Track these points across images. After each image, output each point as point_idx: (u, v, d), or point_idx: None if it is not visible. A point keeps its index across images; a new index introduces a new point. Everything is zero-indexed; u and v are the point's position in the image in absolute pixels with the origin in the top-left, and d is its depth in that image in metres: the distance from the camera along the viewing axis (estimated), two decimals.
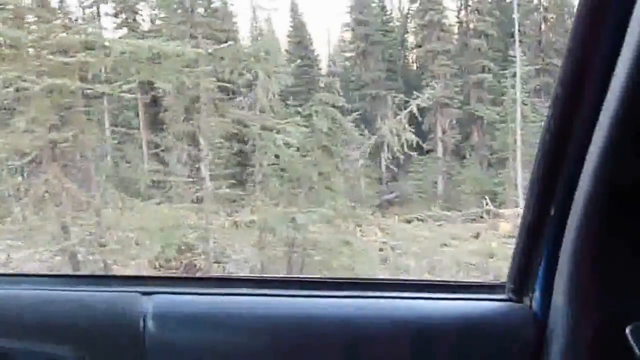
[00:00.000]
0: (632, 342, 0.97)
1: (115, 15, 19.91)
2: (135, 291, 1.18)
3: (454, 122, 17.83)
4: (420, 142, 12.67)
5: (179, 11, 17.87)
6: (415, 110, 10.88)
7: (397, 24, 22.40)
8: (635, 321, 0.99)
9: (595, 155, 0.95)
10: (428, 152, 16.98)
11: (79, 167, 9.13)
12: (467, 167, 16.89)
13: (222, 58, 9.36)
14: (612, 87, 0.91)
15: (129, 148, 14.02)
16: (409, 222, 13.75)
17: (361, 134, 10.74)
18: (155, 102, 14.64)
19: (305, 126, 9.61)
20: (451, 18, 18.88)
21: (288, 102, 13.03)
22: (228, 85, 10.57)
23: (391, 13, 22.18)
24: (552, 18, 17.27)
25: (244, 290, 1.25)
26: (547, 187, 1.08)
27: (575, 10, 1.00)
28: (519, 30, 15.71)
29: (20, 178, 9.22)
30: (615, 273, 1.04)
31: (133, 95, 10.00)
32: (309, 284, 1.36)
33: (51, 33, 8.30)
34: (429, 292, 1.31)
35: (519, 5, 16.01)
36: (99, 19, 19.97)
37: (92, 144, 9.60)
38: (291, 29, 22.32)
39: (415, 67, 21.37)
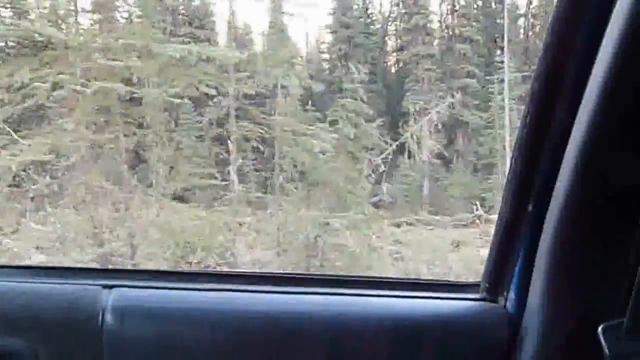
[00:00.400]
0: (602, 341, 0.95)
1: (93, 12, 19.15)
2: (97, 284, 1.13)
3: (439, 126, 17.77)
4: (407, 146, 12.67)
5: (158, 8, 17.28)
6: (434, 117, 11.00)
7: (379, 26, 22.28)
8: (604, 321, 0.97)
9: (574, 152, 0.93)
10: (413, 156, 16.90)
11: (120, 169, 9.08)
12: (454, 172, 16.83)
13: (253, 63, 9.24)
14: (590, 83, 0.89)
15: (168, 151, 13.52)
16: (398, 226, 13.55)
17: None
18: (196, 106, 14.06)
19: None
20: (436, 23, 18.86)
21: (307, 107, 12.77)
22: (262, 90, 10.43)
23: (374, 16, 22.03)
24: (539, 25, 17.44)
25: (208, 286, 1.21)
26: (524, 184, 1.05)
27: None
28: (504, 37, 15.79)
29: (62, 178, 9.05)
30: (591, 273, 1.02)
31: (178, 100, 9.74)
32: (278, 280, 1.29)
33: (98, 35, 8.26)
34: (403, 290, 1.28)
35: (507, 10, 16.11)
36: (76, 16, 19.12)
37: (133, 146, 9.70)
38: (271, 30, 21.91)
39: (396, 71, 21.32)
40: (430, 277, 9.46)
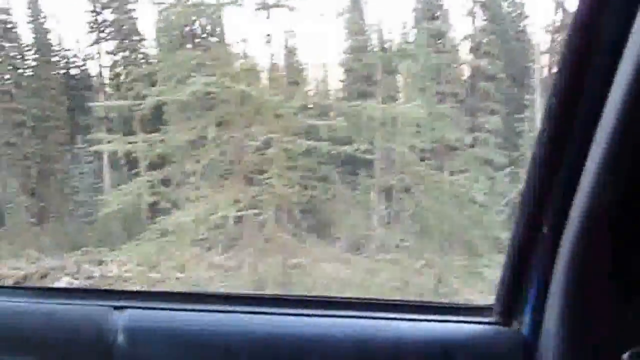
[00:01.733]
0: None
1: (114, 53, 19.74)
2: (109, 305, 1.13)
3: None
4: None
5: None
6: None
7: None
8: (628, 347, 0.90)
9: (590, 173, 0.89)
10: None
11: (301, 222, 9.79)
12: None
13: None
14: (609, 101, 0.84)
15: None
16: None
17: None
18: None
19: None
20: (460, 59, 18.40)
21: None
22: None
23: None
24: None
25: (218, 307, 1.19)
26: (539, 204, 1.01)
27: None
28: (530, 74, 15.24)
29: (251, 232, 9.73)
30: (611, 297, 0.95)
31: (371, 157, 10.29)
32: (290, 303, 1.24)
33: (295, 95, 8.64)
34: (415, 312, 1.23)
35: (534, 45, 15.63)
36: (99, 57, 19.77)
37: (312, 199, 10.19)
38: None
39: None
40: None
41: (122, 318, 1.14)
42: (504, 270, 1.13)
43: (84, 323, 1.14)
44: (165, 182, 10.08)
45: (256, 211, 8.63)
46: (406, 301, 1.37)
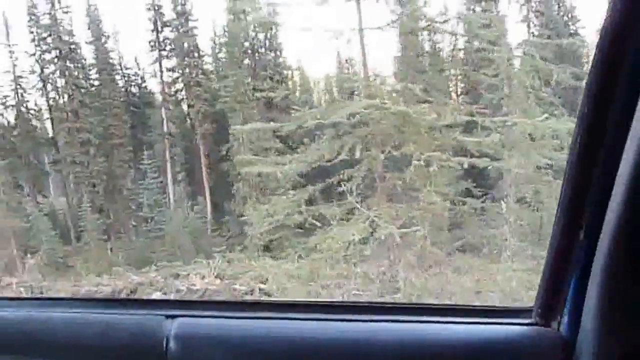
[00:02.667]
0: None
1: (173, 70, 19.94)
2: (160, 314, 1.15)
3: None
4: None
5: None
6: None
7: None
8: None
9: (625, 176, 0.89)
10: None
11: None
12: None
13: None
14: None
15: None
16: None
17: None
18: None
19: None
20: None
21: None
22: None
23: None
24: None
25: (268, 315, 1.21)
26: (576, 209, 1.03)
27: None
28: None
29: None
30: None
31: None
32: (334, 308, 1.27)
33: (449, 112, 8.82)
34: (451, 316, 1.24)
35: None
36: (162, 74, 19.98)
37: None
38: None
39: None
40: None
41: (174, 326, 1.16)
42: (543, 272, 1.16)
43: (137, 332, 1.18)
44: (312, 201, 10.10)
45: (415, 228, 8.66)
46: (447, 305, 1.38)
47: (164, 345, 1.13)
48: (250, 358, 1.14)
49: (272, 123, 11.53)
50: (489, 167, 9.41)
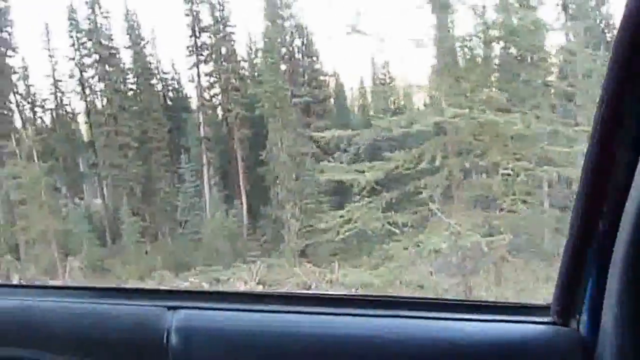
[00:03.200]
0: None
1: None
2: (162, 305, 1.13)
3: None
4: None
5: None
6: None
7: None
8: None
9: None
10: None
11: None
12: None
13: None
14: None
15: None
16: None
17: None
18: None
19: None
20: None
21: None
22: None
23: None
24: None
25: (273, 307, 1.16)
26: (595, 200, 0.99)
27: None
28: None
29: None
30: None
31: None
32: (341, 302, 1.22)
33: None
34: (465, 312, 1.19)
35: None
36: (199, 79, 20.02)
37: None
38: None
39: None
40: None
41: (176, 318, 1.13)
42: (561, 269, 1.11)
43: (138, 323, 1.14)
44: (389, 207, 9.99)
45: (500, 237, 8.55)
46: (464, 301, 1.31)
47: (165, 338, 1.09)
48: (255, 352, 1.11)
49: (350, 131, 11.38)
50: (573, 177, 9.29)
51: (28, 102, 20.12)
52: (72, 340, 1.12)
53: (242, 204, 19.76)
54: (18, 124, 19.55)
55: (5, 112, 19.14)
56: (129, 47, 20.31)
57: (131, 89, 20.20)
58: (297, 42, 20.13)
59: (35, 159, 16.59)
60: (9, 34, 19.53)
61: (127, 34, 20.34)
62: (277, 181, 18.34)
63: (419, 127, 9.14)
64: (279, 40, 19.25)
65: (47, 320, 1.14)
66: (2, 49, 19.19)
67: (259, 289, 15.72)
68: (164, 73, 20.95)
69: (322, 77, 20.53)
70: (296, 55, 20.02)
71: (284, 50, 19.50)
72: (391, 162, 9.53)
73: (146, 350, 1.11)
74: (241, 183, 19.96)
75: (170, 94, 21.32)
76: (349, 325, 1.15)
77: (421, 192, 9.20)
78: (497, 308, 1.25)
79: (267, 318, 1.15)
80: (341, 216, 10.20)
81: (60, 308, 1.15)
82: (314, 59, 20.30)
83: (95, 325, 1.13)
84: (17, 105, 19.69)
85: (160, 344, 1.09)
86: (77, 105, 20.80)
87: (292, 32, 19.91)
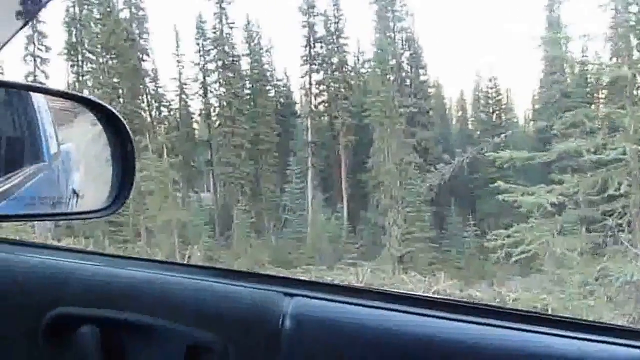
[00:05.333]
0: None
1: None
2: (278, 291, 1.15)
3: None
4: None
5: None
6: None
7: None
8: None
9: None
10: None
11: None
12: None
13: None
14: None
15: None
16: None
17: None
18: None
19: None
20: None
21: None
22: None
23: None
24: None
25: (385, 305, 1.12)
26: None
27: None
28: None
29: None
30: None
31: None
32: (462, 309, 1.12)
33: None
34: (595, 334, 1.03)
35: None
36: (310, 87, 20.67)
37: None
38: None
39: None
40: None
41: (292, 305, 1.13)
42: None
43: (255, 305, 1.15)
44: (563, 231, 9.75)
45: None
46: (590, 322, 1.15)
47: (280, 323, 1.12)
48: (365, 348, 1.09)
49: (535, 153, 11.17)
50: None
51: (156, 102, 21.76)
52: (197, 315, 1.17)
53: (343, 207, 20.13)
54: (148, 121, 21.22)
55: (139, 111, 20.84)
56: (247, 55, 21.41)
57: (248, 94, 21.25)
58: (407, 54, 20.22)
59: (165, 154, 17.93)
60: (145, 41, 21.28)
61: (247, 42, 21.44)
62: (382, 188, 18.50)
63: (615, 155, 8.73)
64: (389, 51, 19.43)
65: (177, 293, 1.21)
66: (139, 54, 20.92)
67: None
68: (278, 80, 21.86)
69: (429, 89, 20.47)
70: (405, 67, 20.10)
71: (393, 61, 19.65)
72: (569, 186, 9.22)
73: (261, 331, 1.14)
74: (343, 187, 20.33)
75: (282, 99, 22.17)
76: (461, 331, 1.08)
77: (601, 220, 8.82)
78: (627, 332, 1.13)
79: (383, 316, 1.13)
80: (508, 236, 10.02)
81: (188, 284, 1.22)
82: (422, 71, 20.29)
83: (216, 303, 1.17)
84: (148, 105, 21.38)
85: (275, 327, 1.12)
86: (198, 106, 22.22)
87: (402, 45, 20.02)
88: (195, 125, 22.79)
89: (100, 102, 1.13)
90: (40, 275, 1.20)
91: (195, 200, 21.62)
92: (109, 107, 1.12)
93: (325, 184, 20.88)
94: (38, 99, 1.13)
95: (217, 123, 21.00)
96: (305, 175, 20.49)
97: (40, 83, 18.47)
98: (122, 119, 1.11)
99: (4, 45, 0.55)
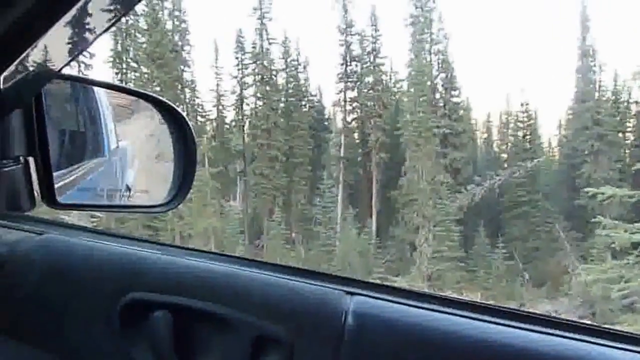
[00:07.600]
0: None
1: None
2: (341, 289, 1.16)
3: None
4: None
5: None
6: None
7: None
8: None
9: None
10: None
11: None
12: None
13: None
14: None
15: None
16: None
17: None
18: None
19: None
20: None
21: None
22: None
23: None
24: None
25: (441, 308, 1.10)
26: None
27: None
28: None
29: None
30: None
31: None
32: (536, 320, 1.06)
33: None
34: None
35: None
36: (345, 104, 20.82)
37: None
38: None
39: None
40: None
41: (353, 302, 1.14)
42: None
43: (318, 302, 1.16)
44: None
45: None
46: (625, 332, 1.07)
47: (342, 319, 1.13)
48: (424, 348, 1.08)
49: (627, 190, 11.02)
50: None
51: (195, 112, 22.04)
52: (266, 308, 1.18)
53: (372, 222, 20.17)
54: None
55: None
56: (283, 70, 21.66)
57: (282, 108, 21.47)
58: (442, 75, 20.34)
59: (207, 164, 18.14)
60: (187, 53, 21.61)
61: (283, 58, 21.70)
62: (414, 206, 18.52)
63: None
64: (425, 73, 19.58)
65: (246, 286, 1.21)
66: (181, 66, 21.24)
67: None
68: (312, 95, 22.07)
69: (461, 111, 20.56)
70: (439, 88, 20.23)
71: (428, 82, 19.80)
72: None
73: (325, 326, 1.14)
74: (373, 203, 20.39)
75: (315, 114, 22.36)
76: (533, 341, 1.03)
77: None
78: None
79: (439, 318, 1.12)
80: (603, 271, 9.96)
81: (257, 277, 1.24)
82: (455, 92, 20.39)
83: (285, 298, 1.19)
84: (187, 115, 21.64)
85: (338, 323, 1.12)
86: (232, 117, 22.45)
87: (438, 66, 20.17)
88: (228, 135, 23.03)
89: (165, 100, 1.12)
90: (117, 262, 1.24)
91: (228, 208, 21.82)
92: (174, 105, 1.12)
93: (354, 199, 20.95)
94: (100, 94, 1.11)
95: (252, 135, 21.21)
96: (336, 190, 20.59)
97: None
98: (186, 118, 1.11)
99: (99, 35, 0.52)
